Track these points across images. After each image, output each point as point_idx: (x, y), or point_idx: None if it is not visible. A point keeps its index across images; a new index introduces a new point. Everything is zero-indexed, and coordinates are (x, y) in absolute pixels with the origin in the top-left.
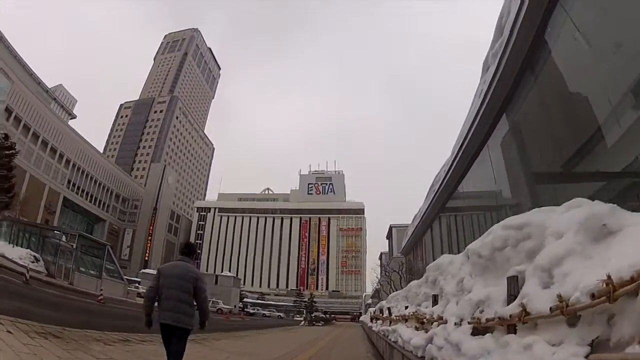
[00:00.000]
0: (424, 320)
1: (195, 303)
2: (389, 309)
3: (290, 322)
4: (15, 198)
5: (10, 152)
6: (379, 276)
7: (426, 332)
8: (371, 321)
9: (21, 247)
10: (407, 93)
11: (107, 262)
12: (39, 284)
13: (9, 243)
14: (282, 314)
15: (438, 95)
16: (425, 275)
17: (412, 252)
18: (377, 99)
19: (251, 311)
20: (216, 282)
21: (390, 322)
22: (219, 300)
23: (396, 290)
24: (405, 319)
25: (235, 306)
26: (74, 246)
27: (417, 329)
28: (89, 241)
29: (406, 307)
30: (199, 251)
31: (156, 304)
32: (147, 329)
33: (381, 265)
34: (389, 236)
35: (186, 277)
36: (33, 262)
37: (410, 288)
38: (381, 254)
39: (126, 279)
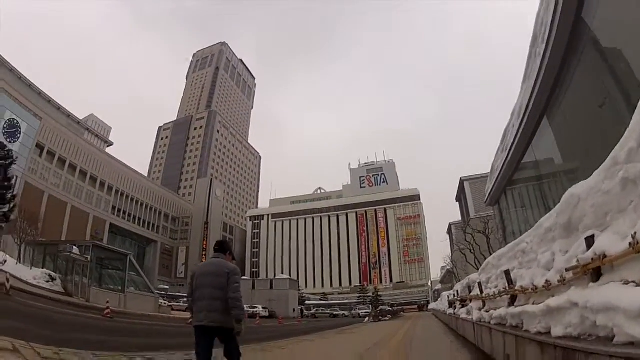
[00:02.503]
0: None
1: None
2: (479, 284)
3: (353, 320)
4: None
5: (7, 161)
6: (449, 255)
7: None
8: (450, 307)
9: (42, 267)
10: (452, 83)
11: (132, 274)
12: (43, 301)
13: (27, 264)
14: (345, 313)
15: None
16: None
17: (503, 197)
18: (421, 93)
19: (311, 312)
20: (271, 287)
21: (483, 302)
22: (257, 305)
23: (478, 263)
24: (533, 289)
25: (294, 309)
26: (89, 258)
27: None
28: (105, 252)
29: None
30: (256, 259)
31: None
32: None
33: (451, 240)
34: (460, 195)
35: (219, 273)
36: (48, 281)
37: (522, 244)
38: (450, 225)
39: (169, 294)
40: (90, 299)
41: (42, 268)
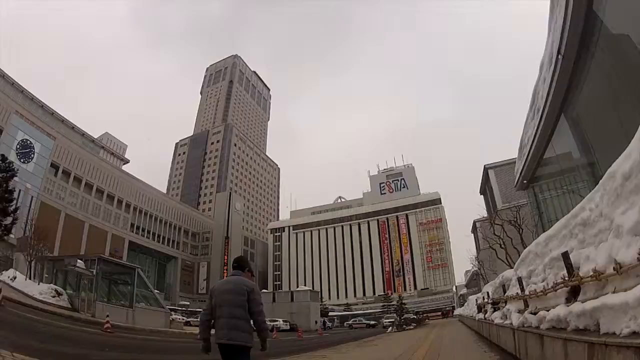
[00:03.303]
0: None
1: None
2: (518, 280)
3: (375, 331)
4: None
5: (8, 174)
6: (474, 255)
7: None
8: (480, 311)
9: (52, 283)
10: (467, 82)
11: (141, 289)
12: (44, 315)
13: (35, 280)
14: (370, 322)
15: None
16: None
17: (537, 177)
18: (437, 94)
19: (348, 324)
20: (292, 299)
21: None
22: (277, 319)
23: (510, 259)
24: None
25: (316, 322)
26: (94, 272)
27: None
28: (112, 265)
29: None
30: (279, 272)
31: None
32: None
33: (476, 239)
34: (484, 186)
35: (238, 291)
36: (54, 296)
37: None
38: (474, 223)
39: (190, 309)
40: (96, 314)
41: (52, 283)
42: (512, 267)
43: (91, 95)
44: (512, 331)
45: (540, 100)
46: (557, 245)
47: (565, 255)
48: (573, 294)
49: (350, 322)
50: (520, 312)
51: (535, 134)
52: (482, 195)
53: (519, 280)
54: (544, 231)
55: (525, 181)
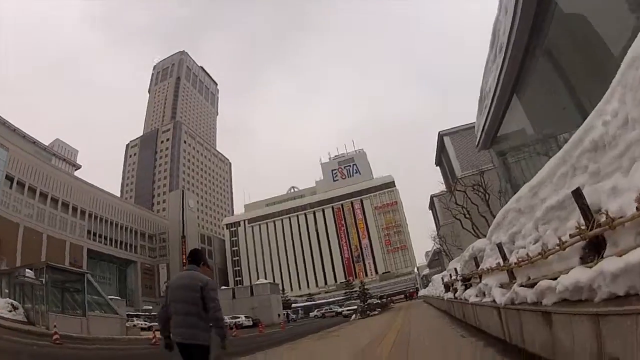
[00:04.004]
0: None
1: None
2: (499, 247)
3: (340, 319)
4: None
5: None
6: (434, 233)
7: None
8: (447, 290)
9: (8, 297)
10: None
11: (92, 295)
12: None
13: None
14: (339, 310)
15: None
16: None
17: (504, 130)
18: (402, 90)
19: (321, 312)
20: (252, 293)
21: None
22: (239, 315)
23: (477, 229)
24: None
25: (278, 315)
26: (43, 281)
27: None
28: (61, 272)
29: None
30: (238, 268)
31: None
32: (168, 352)
33: (435, 216)
34: (440, 155)
35: (192, 287)
36: (10, 310)
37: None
38: (432, 198)
39: (153, 314)
40: (50, 325)
41: (8, 297)
42: (481, 237)
43: (38, 99)
44: (495, 311)
45: (502, 36)
46: (554, 191)
47: (578, 194)
48: (593, 249)
49: (316, 312)
50: (504, 286)
51: (498, 79)
52: (438, 167)
53: (499, 247)
54: (514, 194)
55: (488, 139)
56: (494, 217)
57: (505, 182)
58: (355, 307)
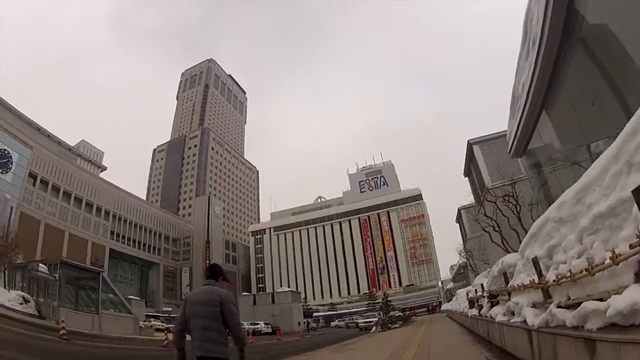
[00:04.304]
0: None
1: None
2: (534, 262)
3: (356, 331)
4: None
5: None
6: (461, 246)
7: None
8: (472, 306)
9: (21, 290)
10: (450, 80)
11: (107, 293)
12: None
13: (5, 288)
14: (346, 321)
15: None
16: None
17: (538, 135)
18: (415, 90)
19: (315, 325)
20: (273, 301)
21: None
22: (258, 322)
23: (507, 243)
24: None
25: (299, 323)
26: (57, 277)
27: None
28: (76, 270)
29: None
30: (261, 275)
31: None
32: None
33: (462, 229)
34: (469, 165)
35: (211, 302)
36: (21, 303)
37: None
38: (459, 210)
39: (172, 315)
40: (59, 321)
41: (21, 290)
42: (510, 252)
43: (65, 100)
44: (526, 333)
45: (535, 26)
46: (603, 195)
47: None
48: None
49: (337, 321)
50: (537, 306)
51: (532, 76)
52: (466, 178)
53: (534, 262)
54: (548, 207)
55: (521, 145)
56: (526, 231)
57: (538, 192)
58: (375, 319)
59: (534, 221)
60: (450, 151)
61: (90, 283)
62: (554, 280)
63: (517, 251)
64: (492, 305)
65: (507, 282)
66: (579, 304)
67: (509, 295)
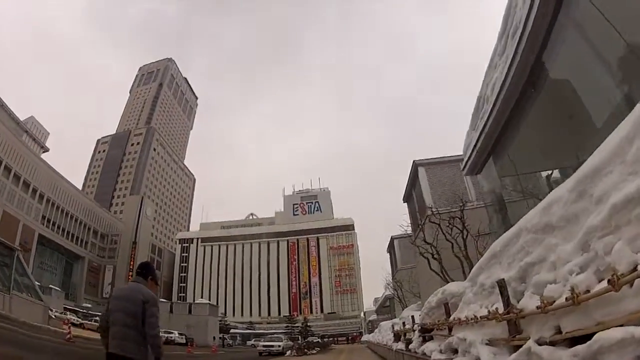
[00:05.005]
0: None
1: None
2: (500, 285)
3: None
4: None
5: None
6: (388, 274)
7: None
8: (397, 340)
9: None
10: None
11: (19, 275)
12: None
13: None
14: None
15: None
16: None
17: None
18: (362, 119)
19: (231, 342)
20: (190, 312)
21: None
22: (173, 331)
23: (446, 273)
24: None
25: (214, 337)
26: None
27: None
28: None
29: None
30: (184, 284)
31: None
32: None
33: (392, 259)
34: (411, 190)
35: (134, 299)
36: None
37: None
38: (392, 239)
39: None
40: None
41: None
42: (449, 281)
43: (21, 74)
44: None
45: (519, 11)
46: (628, 175)
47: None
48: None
49: (253, 341)
50: (496, 343)
51: (509, 70)
52: (405, 203)
53: (500, 287)
54: (504, 231)
55: (479, 159)
56: (470, 260)
57: (496, 216)
58: (278, 343)
59: (479, 254)
60: (393, 182)
61: (5, 260)
62: (537, 307)
63: (459, 280)
64: (425, 340)
65: (448, 314)
66: (584, 337)
67: (450, 329)
